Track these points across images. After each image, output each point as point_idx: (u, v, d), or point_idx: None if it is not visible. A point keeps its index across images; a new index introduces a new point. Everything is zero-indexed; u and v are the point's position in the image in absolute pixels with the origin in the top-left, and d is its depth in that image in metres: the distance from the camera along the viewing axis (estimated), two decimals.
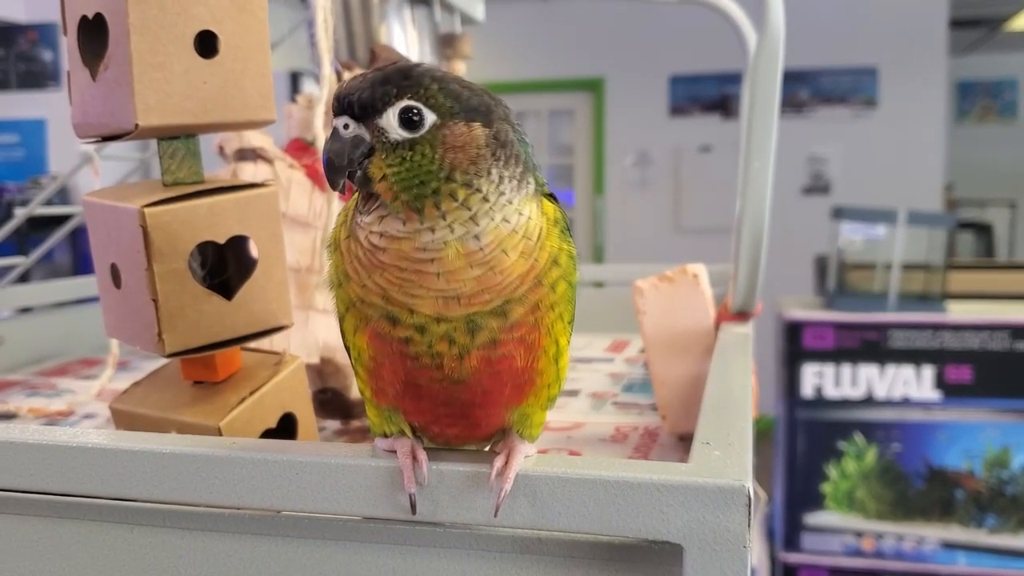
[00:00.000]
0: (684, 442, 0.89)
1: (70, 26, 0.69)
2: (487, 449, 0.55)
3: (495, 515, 0.48)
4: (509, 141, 0.48)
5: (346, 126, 0.46)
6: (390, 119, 0.46)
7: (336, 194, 0.90)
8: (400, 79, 0.46)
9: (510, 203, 0.47)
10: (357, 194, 0.49)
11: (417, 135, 0.46)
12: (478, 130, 0.47)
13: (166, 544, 0.57)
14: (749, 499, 0.45)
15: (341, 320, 0.51)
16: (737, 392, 0.67)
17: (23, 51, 5.26)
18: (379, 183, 0.46)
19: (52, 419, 1.04)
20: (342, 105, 0.47)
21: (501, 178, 0.47)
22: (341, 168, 0.46)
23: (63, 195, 4.22)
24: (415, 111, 0.46)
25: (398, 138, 0.46)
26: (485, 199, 0.46)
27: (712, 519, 0.45)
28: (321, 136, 0.90)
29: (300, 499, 0.52)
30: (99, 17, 0.66)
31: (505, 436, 0.52)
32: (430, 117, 0.46)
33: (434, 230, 0.45)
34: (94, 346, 1.50)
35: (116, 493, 0.56)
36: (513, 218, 0.47)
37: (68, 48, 0.69)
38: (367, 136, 0.46)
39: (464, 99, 0.47)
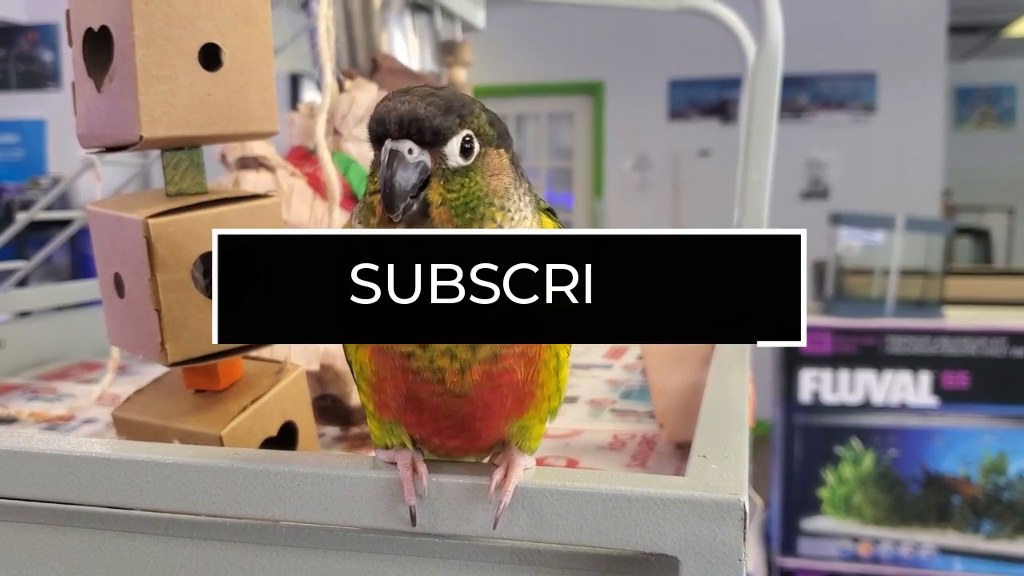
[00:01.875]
0: (681, 450, 0.90)
1: (76, 37, 0.69)
2: (486, 461, 0.56)
3: (494, 527, 0.49)
4: (519, 162, 0.50)
5: (410, 151, 0.46)
6: (454, 147, 0.47)
7: (337, 202, 0.91)
8: (460, 107, 0.47)
9: (525, 219, 0.49)
10: (354, 218, 0.50)
11: (469, 163, 0.47)
12: (505, 156, 0.49)
13: (168, 553, 0.58)
14: (745, 513, 0.46)
15: None
16: (734, 404, 0.68)
17: (23, 51, 5.26)
18: (437, 208, 0.46)
19: (53, 423, 1.05)
20: (407, 130, 0.46)
21: (520, 198, 0.49)
22: (404, 194, 0.45)
23: (62, 198, 4.22)
24: (468, 139, 0.47)
25: (455, 165, 0.47)
26: (512, 219, 0.48)
27: (708, 532, 0.46)
28: (323, 145, 0.90)
29: (301, 509, 0.52)
30: (105, 29, 0.67)
31: (504, 449, 0.52)
32: (477, 145, 0.47)
33: None
34: (94, 350, 1.50)
35: (119, 502, 0.56)
36: None
37: (73, 59, 0.70)
38: (429, 162, 0.46)
39: (497, 126, 0.48)
